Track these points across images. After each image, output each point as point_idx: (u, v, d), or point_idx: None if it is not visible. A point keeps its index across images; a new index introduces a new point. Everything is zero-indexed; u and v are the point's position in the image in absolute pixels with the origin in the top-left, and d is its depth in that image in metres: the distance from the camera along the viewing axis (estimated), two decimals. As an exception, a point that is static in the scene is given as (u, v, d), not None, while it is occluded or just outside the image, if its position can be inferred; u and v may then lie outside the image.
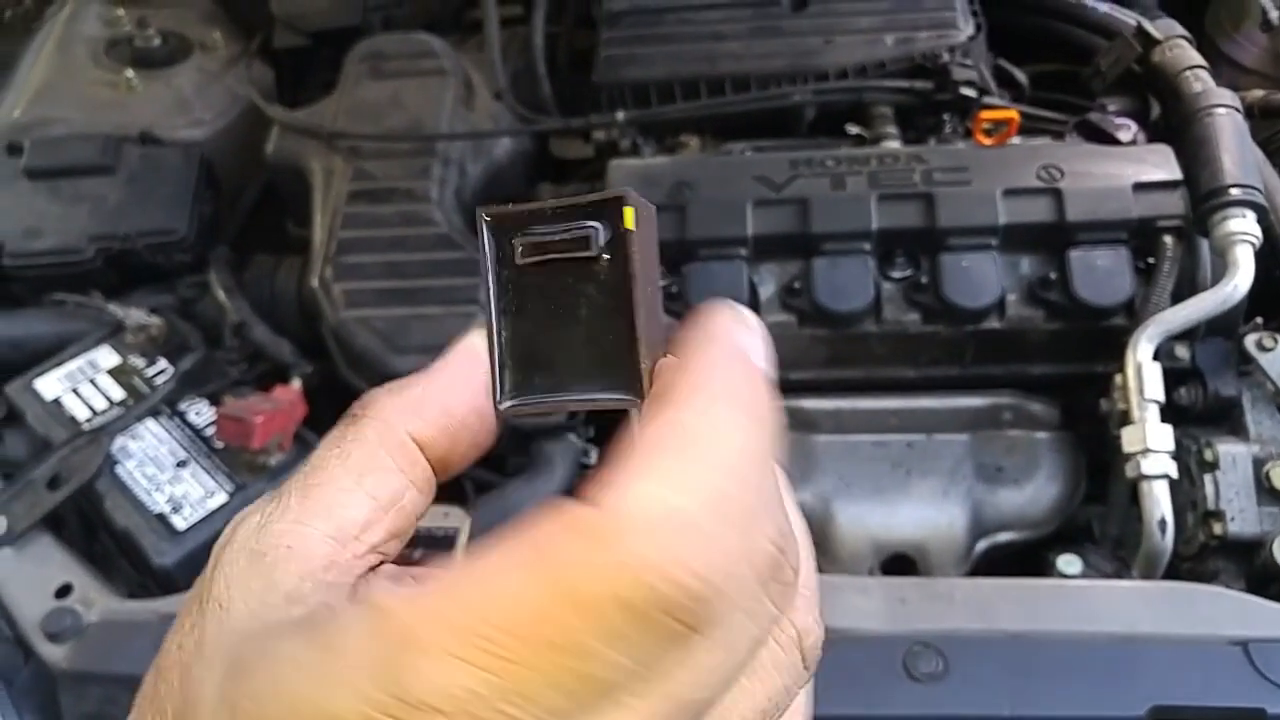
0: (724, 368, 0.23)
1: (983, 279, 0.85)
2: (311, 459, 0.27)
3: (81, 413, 0.90)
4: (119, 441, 0.87)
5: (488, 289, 0.27)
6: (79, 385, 0.92)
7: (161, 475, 0.86)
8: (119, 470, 0.86)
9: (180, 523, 0.83)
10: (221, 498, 0.84)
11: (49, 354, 0.94)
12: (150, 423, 0.89)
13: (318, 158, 0.98)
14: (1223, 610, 0.67)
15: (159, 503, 0.84)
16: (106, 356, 0.94)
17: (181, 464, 0.87)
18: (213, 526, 0.83)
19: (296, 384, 0.89)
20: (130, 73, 1.07)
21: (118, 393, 0.91)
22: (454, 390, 0.27)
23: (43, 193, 1.00)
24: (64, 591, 0.79)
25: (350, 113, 0.99)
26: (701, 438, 0.21)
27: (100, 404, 0.91)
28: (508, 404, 0.28)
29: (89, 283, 0.99)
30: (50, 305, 0.99)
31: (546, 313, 0.27)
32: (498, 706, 0.19)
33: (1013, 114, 0.93)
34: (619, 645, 0.20)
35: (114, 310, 0.96)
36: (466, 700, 0.19)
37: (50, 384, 0.92)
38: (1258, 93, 0.96)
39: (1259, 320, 0.86)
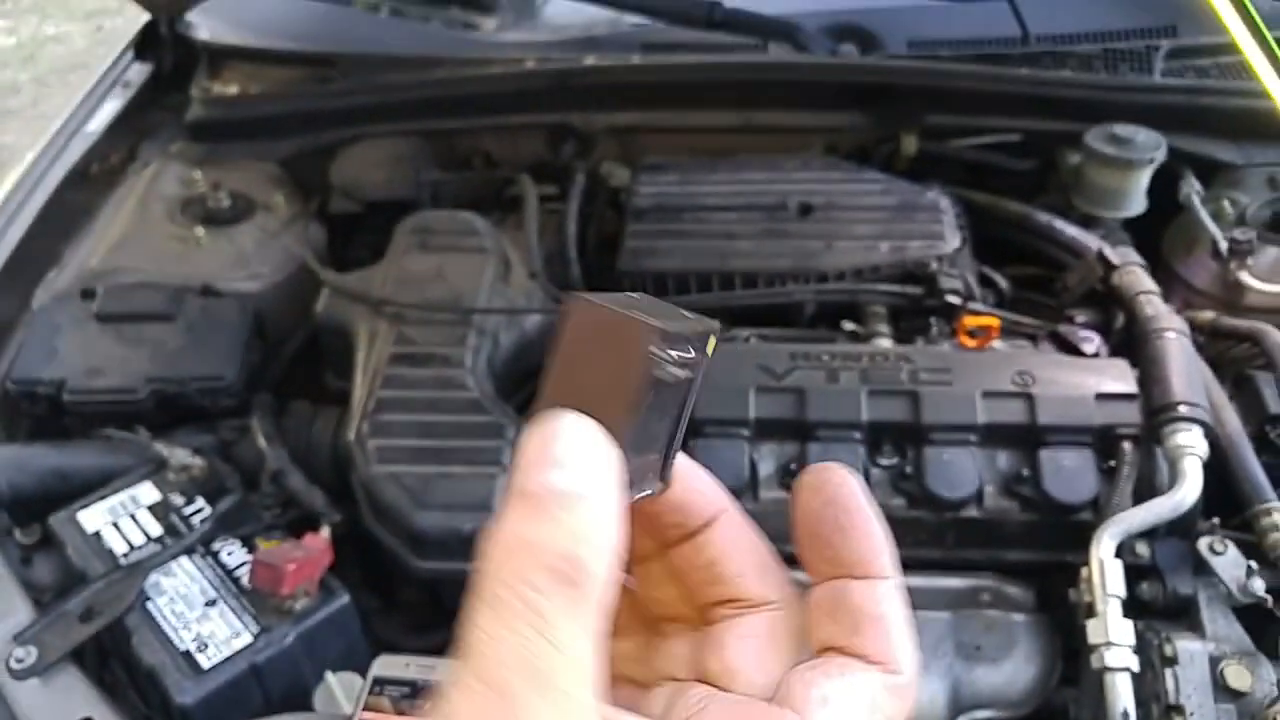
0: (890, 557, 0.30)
1: (962, 472, 0.93)
2: None
3: (120, 547, 0.95)
4: (152, 578, 0.92)
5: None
6: (119, 520, 0.97)
7: (190, 613, 0.90)
8: (150, 606, 0.90)
9: (205, 661, 0.86)
10: (246, 638, 0.88)
11: (92, 486, 1.00)
12: (184, 560, 0.94)
13: (364, 320, 1.07)
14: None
15: (185, 640, 0.88)
16: (148, 493, 1.00)
17: (211, 603, 0.91)
18: (236, 666, 0.86)
19: (326, 532, 0.95)
20: (200, 230, 1.18)
21: (156, 529, 0.97)
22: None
23: (109, 335, 1.09)
24: (83, 729, 0.81)
25: (397, 281, 1.10)
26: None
27: (138, 539, 0.96)
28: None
29: (138, 420, 1.06)
30: (98, 439, 1.07)
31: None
32: None
33: (993, 321, 1.05)
34: None
35: (159, 449, 1.03)
36: None
37: (93, 517, 0.97)
38: (1208, 314, 1.07)
39: (1215, 521, 0.94)
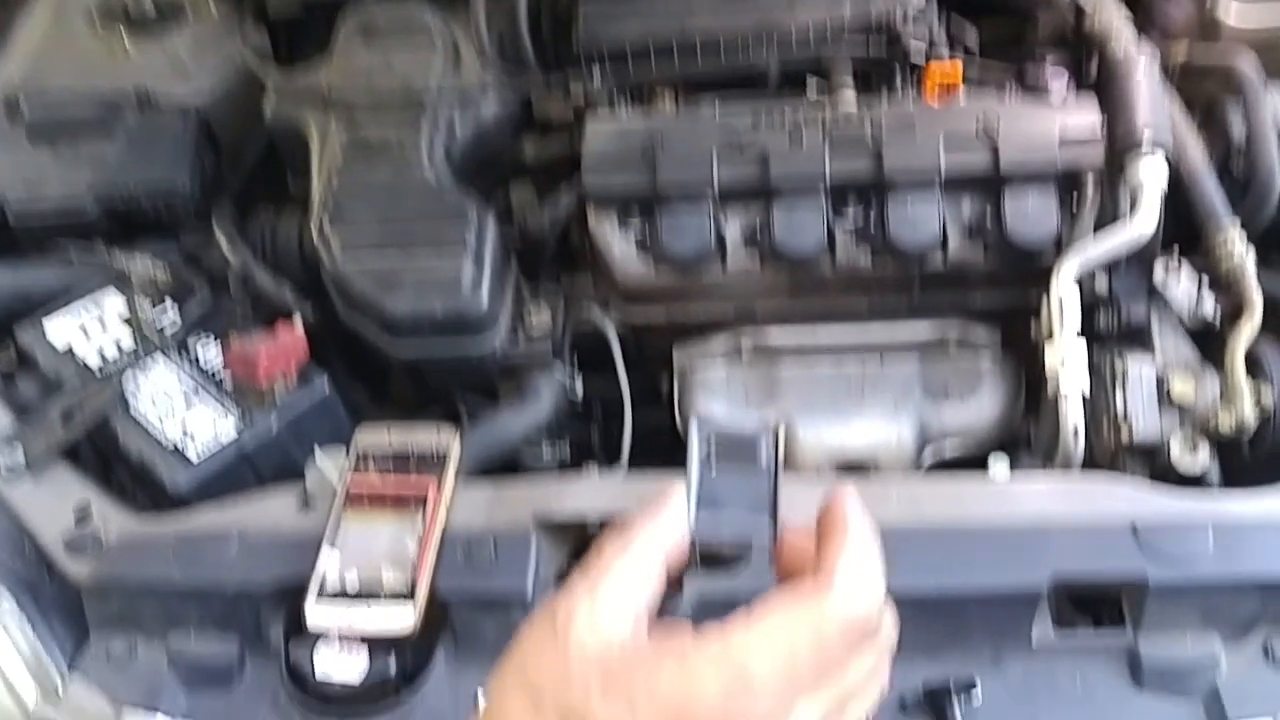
0: (860, 521, 0.54)
1: (925, 219, 1.03)
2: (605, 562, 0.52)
3: (93, 360, 1.01)
4: (131, 380, 1.00)
5: (693, 476, 0.55)
6: (88, 325, 1.03)
7: (173, 410, 0.99)
8: (131, 406, 0.98)
9: (193, 454, 0.95)
10: (231, 432, 0.96)
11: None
12: (160, 359, 1.01)
13: (314, 119, 1.13)
14: (1118, 498, 0.85)
15: (172, 435, 0.97)
16: (113, 301, 1.07)
17: (191, 399, 1.02)
18: (223, 458, 0.95)
19: (298, 322, 1.06)
20: (125, 35, 1.23)
21: (127, 339, 1.03)
22: (680, 521, 0.54)
23: (44, 152, 1.15)
24: (83, 512, 0.91)
25: (344, 76, 1.16)
26: (865, 545, 0.52)
27: (111, 352, 1.02)
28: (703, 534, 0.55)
29: (93, 235, 1.14)
30: (55, 256, 1.14)
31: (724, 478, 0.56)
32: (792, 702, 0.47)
33: (956, 71, 1.12)
34: (849, 653, 0.50)
35: (121, 260, 1.12)
36: (782, 692, 0.47)
37: (59, 327, 1.03)
38: (1182, 49, 1.16)
39: (1176, 247, 1.06)
